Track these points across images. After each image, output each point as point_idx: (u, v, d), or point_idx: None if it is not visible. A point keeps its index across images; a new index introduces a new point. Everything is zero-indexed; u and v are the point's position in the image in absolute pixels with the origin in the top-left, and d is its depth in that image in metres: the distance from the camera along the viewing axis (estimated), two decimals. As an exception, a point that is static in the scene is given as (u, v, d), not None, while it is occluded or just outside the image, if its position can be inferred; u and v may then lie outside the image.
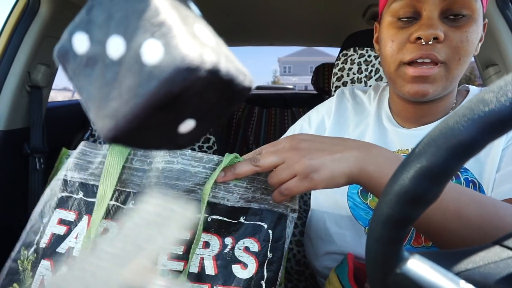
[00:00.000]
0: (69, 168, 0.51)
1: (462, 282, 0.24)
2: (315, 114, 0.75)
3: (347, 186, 0.62)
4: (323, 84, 1.78)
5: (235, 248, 0.49)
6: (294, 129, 0.76)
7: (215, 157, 0.48)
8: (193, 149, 1.12)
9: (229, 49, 0.26)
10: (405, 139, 0.62)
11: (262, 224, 0.50)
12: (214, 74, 0.22)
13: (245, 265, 0.48)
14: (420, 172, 0.23)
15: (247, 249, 0.49)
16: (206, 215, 0.48)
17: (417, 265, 0.26)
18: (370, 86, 0.79)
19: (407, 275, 0.26)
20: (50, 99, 1.11)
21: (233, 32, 1.66)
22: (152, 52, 0.21)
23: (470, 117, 0.21)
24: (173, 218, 0.27)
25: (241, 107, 1.79)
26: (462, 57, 0.52)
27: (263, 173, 0.49)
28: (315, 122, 0.73)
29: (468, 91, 0.63)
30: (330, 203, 0.66)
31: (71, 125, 1.22)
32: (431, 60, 0.52)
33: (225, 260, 0.48)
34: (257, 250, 0.49)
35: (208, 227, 0.48)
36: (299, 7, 1.26)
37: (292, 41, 2.08)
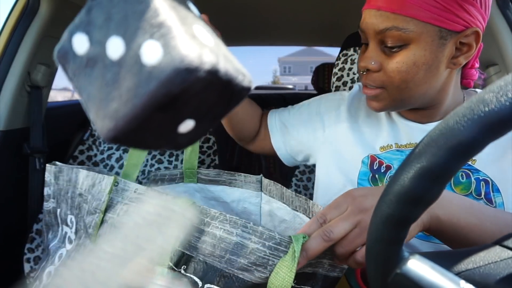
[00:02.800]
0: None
1: (462, 282, 0.24)
2: (330, 95, 0.77)
3: (357, 175, 0.64)
4: (323, 84, 1.78)
5: None
6: (310, 101, 0.78)
7: (276, 235, 0.42)
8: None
9: (228, 49, 0.26)
10: (414, 132, 0.63)
11: None
12: (213, 75, 0.22)
13: None
14: (420, 172, 0.23)
15: None
16: None
17: (417, 265, 0.26)
18: None
19: (407, 275, 0.26)
20: (50, 99, 1.11)
21: (233, 32, 1.66)
22: (151, 53, 0.21)
23: (470, 117, 0.21)
24: (173, 218, 0.27)
25: (241, 107, 1.79)
26: (399, 83, 0.54)
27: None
28: (328, 101, 0.76)
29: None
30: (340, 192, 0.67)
31: (71, 125, 1.22)
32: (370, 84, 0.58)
33: None
34: None
35: None
36: (299, 7, 1.26)
37: (292, 41, 2.08)
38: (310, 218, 0.56)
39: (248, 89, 0.26)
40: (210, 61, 0.21)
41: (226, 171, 0.74)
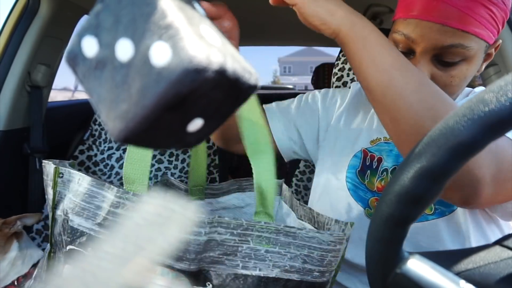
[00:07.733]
0: (74, 212, 0.44)
1: (462, 282, 0.24)
2: (331, 92, 0.77)
3: (346, 169, 0.65)
4: (323, 84, 1.78)
5: None
6: (307, 95, 0.78)
7: (244, 222, 0.42)
8: (193, 149, 1.12)
9: (234, 48, 0.26)
10: None
11: None
12: (221, 74, 0.22)
13: None
14: (420, 172, 0.23)
15: None
16: None
17: (417, 265, 0.26)
18: None
19: (407, 275, 0.26)
20: (50, 99, 1.11)
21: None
22: (160, 54, 0.21)
23: (470, 117, 0.21)
24: (173, 218, 0.27)
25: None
26: (447, 93, 0.55)
27: (299, 236, 0.43)
28: (329, 97, 0.76)
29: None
30: (330, 191, 0.68)
31: (71, 125, 1.22)
32: None
33: None
34: None
35: None
36: (299, 7, 1.26)
37: (292, 41, 2.07)
38: (315, 228, 0.54)
39: (255, 87, 0.26)
40: (218, 61, 0.22)
41: (240, 179, 0.70)
